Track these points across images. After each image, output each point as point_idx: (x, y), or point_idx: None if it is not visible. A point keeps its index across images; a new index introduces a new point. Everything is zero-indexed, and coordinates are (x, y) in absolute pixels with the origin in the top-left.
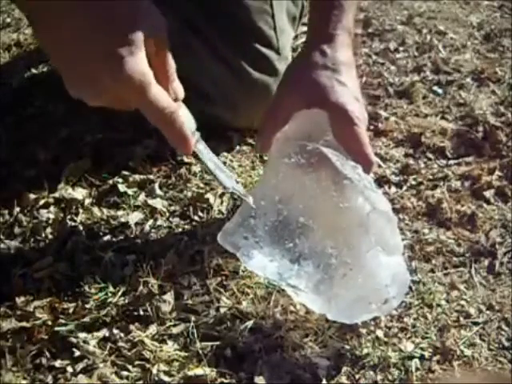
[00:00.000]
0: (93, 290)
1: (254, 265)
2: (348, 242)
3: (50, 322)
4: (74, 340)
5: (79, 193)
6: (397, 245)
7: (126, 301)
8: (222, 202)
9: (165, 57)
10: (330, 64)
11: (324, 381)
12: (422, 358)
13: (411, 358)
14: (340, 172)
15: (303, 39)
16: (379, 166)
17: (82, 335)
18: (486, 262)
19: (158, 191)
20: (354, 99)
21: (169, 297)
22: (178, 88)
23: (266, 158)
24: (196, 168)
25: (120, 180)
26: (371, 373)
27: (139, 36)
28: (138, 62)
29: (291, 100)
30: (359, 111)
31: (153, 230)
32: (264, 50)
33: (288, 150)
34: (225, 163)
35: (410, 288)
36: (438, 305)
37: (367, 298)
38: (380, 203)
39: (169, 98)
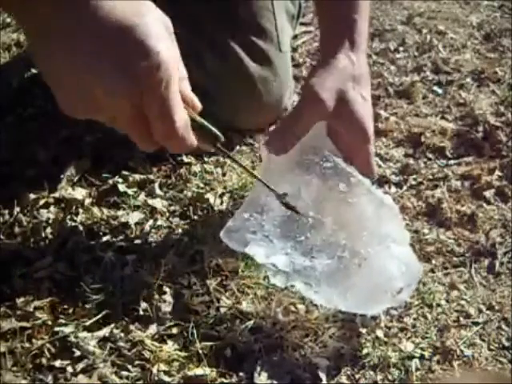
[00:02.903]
0: (93, 290)
1: (264, 258)
2: (360, 234)
3: (49, 322)
4: (73, 340)
5: (79, 193)
6: (405, 237)
7: (126, 301)
8: (221, 202)
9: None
10: (357, 73)
11: (324, 381)
12: (421, 358)
13: (411, 357)
14: (347, 171)
15: (303, 39)
16: (379, 166)
17: (82, 335)
18: (486, 262)
19: (158, 191)
20: (371, 115)
21: (169, 297)
22: (195, 97)
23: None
24: (196, 168)
25: (120, 180)
26: (371, 373)
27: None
28: (167, 46)
29: (318, 109)
30: (373, 127)
31: (153, 230)
32: (264, 45)
33: (295, 151)
34: (225, 163)
35: None
36: (438, 305)
37: (383, 286)
38: (386, 199)
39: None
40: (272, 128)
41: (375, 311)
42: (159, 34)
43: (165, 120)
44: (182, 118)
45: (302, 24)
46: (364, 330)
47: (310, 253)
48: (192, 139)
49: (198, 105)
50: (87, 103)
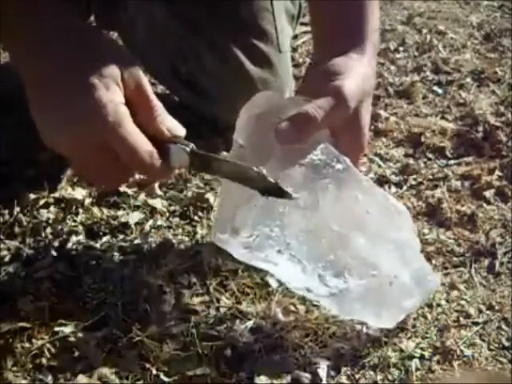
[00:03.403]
0: (93, 290)
1: (297, 283)
2: (385, 247)
3: (49, 322)
4: (73, 340)
5: (79, 193)
6: (417, 243)
7: (126, 301)
8: None
9: (147, 97)
10: (373, 84)
11: (324, 381)
12: (422, 358)
13: (411, 357)
14: (359, 175)
15: (303, 39)
16: (379, 166)
17: (82, 335)
18: (486, 262)
19: (158, 191)
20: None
21: (169, 297)
22: (174, 126)
23: None
24: None
25: None
26: (371, 373)
27: (111, 72)
28: (112, 95)
29: (342, 114)
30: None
31: (153, 230)
32: (264, 46)
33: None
34: None
35: None
36: (438, 305)
37: (408, 301)
38: (397, 204)
39: (144, 138)
40: (287, 115)
41: (396, 322)
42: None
43: (130, 154)
44: (142, 145)
45: (302, 24)
46: (364, 330)
47: (343, 273)
48: (156, 160)
49: (180, 132)
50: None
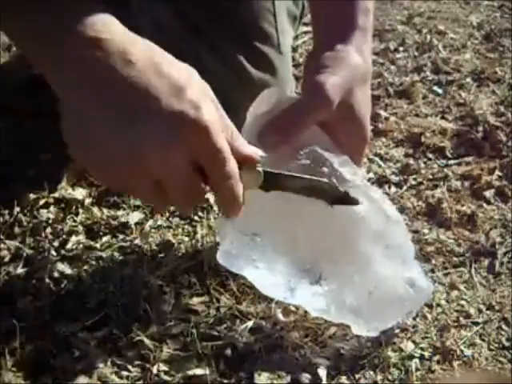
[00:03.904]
0: (93, 290)
1: (272, 290)
2: (369, 257)
3: (49, 322)
4: (73, 340)
5: (79, 193)
6: (410, 250)
7: (126, 301)
8: None
9: (224, 117)
10: (366, 71)
11: (324, 381)
12: (422, 358)
13: (411, 357)
14: (347, 179)
15: (304, 39)
16: (379, 166)
17: (82, 335)
18: (486, 262)
19: None
20: (369, 113)
21: (169, 297)
22: (254, 150)
23: None
24: None
25: None
26: (371, 373)
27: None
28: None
29: (325, 109)
30: (369, 126)
31: (153, 230)
32: (265, 48)
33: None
34: None
35: None
36: (438, 305)
37: (393, 312)
38: (390, 208)
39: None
40: (266, 120)
41: (381, 330)
42: (204, 95)
43: (219, 164)
44: (234, 164)
45: (303, 24)
46: None
47: (319, 281)
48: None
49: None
50: (130, 166)
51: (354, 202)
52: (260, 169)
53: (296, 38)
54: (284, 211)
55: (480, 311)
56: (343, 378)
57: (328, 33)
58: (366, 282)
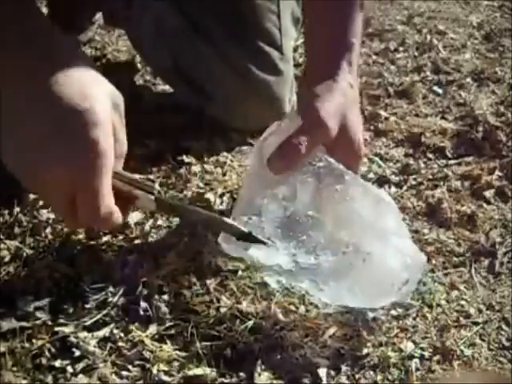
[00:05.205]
0: (93, 290)
1: (268, 260)
2: (361, 229)
3: (49, 322)
4: (73, 340)
5: None
6: (405, 229)
7: (126, 301)
8: (222, 202)
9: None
10: (355, 96)
11: (324, 381)
12: (422, 358)
13: (411, 357)
14: (341, 169)
15: (304, 39)
16: (379, 166)
17: (82, 335)
18: (486, 262)
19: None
20: (361, 129)
21: (169, 297)
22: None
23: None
24: (196, 168)
25: None
26: (371, 373)
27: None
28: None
29: (324, 135)
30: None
31: (153, 230)
32: (268, 49)
33: None
34: (225, 163)
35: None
36: (438, 305)
37: (388, 279)
38: (382, 194)
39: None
40: (274, 148)
41: (382, 304)
42: (102, 120)
43: (91, 208)
44: (107, 206)
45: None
46: (364, 331)
47: (314, 251)
48: (115, 218)
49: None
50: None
51: (259, 241)
52: (152, 197)
53: (296, 38)
54: (284, 194)
55: (480, 311)
56: (343, 378)
57: (319, 58)
58: (359, 251)
